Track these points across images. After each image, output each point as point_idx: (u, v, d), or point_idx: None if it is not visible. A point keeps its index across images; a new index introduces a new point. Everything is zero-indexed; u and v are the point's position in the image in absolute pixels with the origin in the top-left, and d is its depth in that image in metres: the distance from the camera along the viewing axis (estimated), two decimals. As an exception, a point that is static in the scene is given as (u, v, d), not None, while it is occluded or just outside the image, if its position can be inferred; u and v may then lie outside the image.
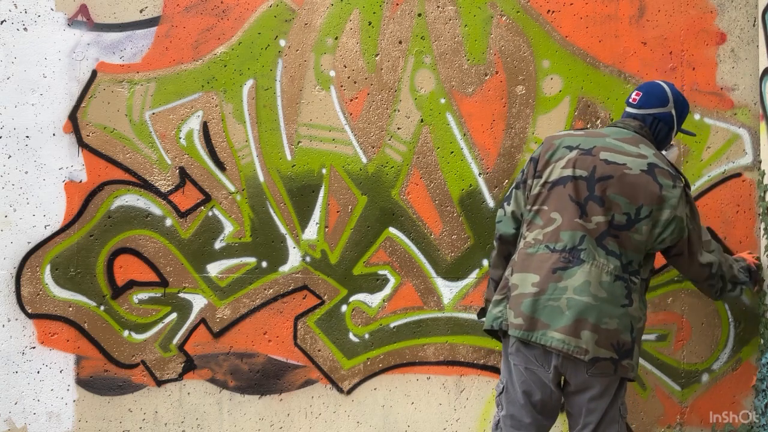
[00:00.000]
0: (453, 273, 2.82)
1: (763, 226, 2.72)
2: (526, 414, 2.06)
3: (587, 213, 2.00)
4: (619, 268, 1.98)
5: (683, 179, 2.09)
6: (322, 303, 2.86)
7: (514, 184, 2.19)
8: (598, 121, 2.77)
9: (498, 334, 2.15)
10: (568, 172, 2.03)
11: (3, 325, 2.89)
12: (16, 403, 2.90)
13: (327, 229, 2.85)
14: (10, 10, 2.92)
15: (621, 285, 1.97)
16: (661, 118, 2.17)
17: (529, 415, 2.06)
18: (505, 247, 2.19)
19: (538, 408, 2.06)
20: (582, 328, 1.91)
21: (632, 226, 1.99)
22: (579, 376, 1.98)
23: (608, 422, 2.03)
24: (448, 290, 2.82)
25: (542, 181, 2.08)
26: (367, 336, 2.85)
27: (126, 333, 2.90)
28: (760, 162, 2.74)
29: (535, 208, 2.08)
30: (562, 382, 2.07)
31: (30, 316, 2.89)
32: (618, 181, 2.00)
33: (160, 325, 2.89)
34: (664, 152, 2.19)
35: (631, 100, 2.20)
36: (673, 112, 2.17)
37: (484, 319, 2.21)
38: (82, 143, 2.90)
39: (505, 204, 2.19)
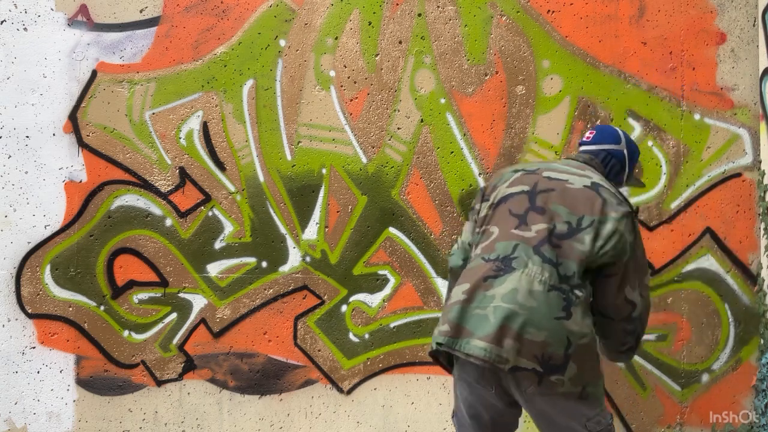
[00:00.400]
0: (453, 273, 2.82)
1: (763, 226, 2.72)
2: None
3: (527, 222, 1.98)
4: (555, 277, 1.91)
5: (632, 207, 2.06)
6: (322, 303, 2.86)
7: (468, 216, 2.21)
8: (598, 121, 2.77)
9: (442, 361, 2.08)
10: (512, 189, 2.05)
11: (3, 325, 2.89)
12: (16, 403, 2.91)
13: (327, 229, 2.85)
14: (10, 10, 2.92)
15: (557, 296, 1.88)
16: (614, 154, 2.19)
17: None
18: (454, 280, 2.14)
19: (491, 428, 2.02)
20: (505, 336, 1.83)
21: (574, 234, 1.95)
22: (523, 395, 1.92)
23: None
24: (448, 290, 2.82)
25: (489, 203, 2.09)
26: (367, 336, 2.85)
27: (126, 333, 2.90)
28: (760, 162, 2.74)
29: (481, 228, 2.08)
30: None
31: (30, 316, 2.89)
32: (559, 193, 2.00)
33: (160, 325, 2.89)
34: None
35: (584, 138, 2.24)
36: (625, 151, 2.21)
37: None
38: (82, 143, 2.90)
39: (458, 237, 2.20)
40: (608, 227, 1.95)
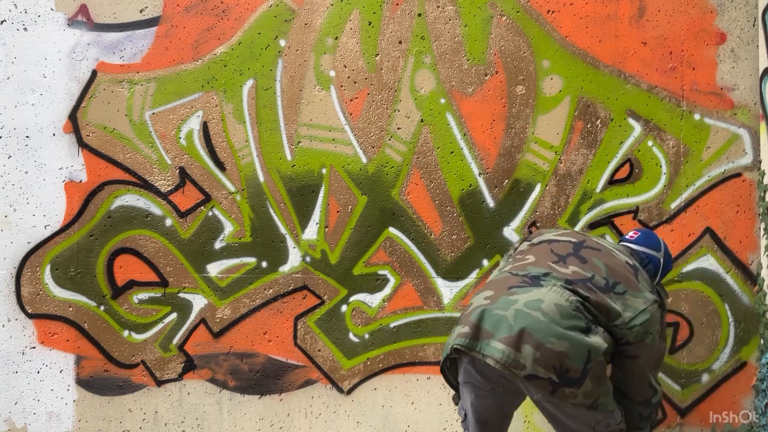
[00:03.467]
0: (453, 273, 2.82)
1: (763, 226, 2.72)
2: None
3: (566, 262, 2.03)
4: (579, 306, 1.91)
5: (662, 300, 2.13)
6: (322, 303, 2.86)
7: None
8: (598, 121, 2.77)
9: (449, 375, 2.10)
10: (559, 237, 2.14)
11: (3, 325, 2.89)
12: (16, 403, 2.91)
13: (327, 229, 2.85)
14: (10, 10, 2.92)
15: (578, 317, 1.88)
16: (651, 259, 2.26)
17: None
18: None
19: (495, 429, 2.07)
20: (524, 342, 1.82)
21: (608, 292, 1.98)
22: (532, 397, 1.94)
23: None
24: (448, 290, 2.82)
25: (530, 243, 2.20)
26: (367, 336, 2.85)
27: (126, 333, 2.90)
28: (760, 162, 2.74)
29: (514, 257, 2.16)
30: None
31: (30, 316, 2.89)
32: (604, 254, 2.08)
33: (160, 325, 2.89)
34: None
35: (628, 237, 2.34)
36: (662, 260, 2.28)
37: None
38: (82, 143, 2.90)
39: None
40: (640, 303, 2.00)
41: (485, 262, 2.80)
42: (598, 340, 1.87)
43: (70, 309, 2.89)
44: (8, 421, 2.90)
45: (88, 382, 2.90)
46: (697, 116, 2.76)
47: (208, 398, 2.89)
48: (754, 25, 2.75)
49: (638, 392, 2.10)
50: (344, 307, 2.85)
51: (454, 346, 1.92)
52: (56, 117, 2.90)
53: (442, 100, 2.83)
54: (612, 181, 2.78)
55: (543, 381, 1.82)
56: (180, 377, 2.89)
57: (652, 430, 2.21)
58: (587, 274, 2.00)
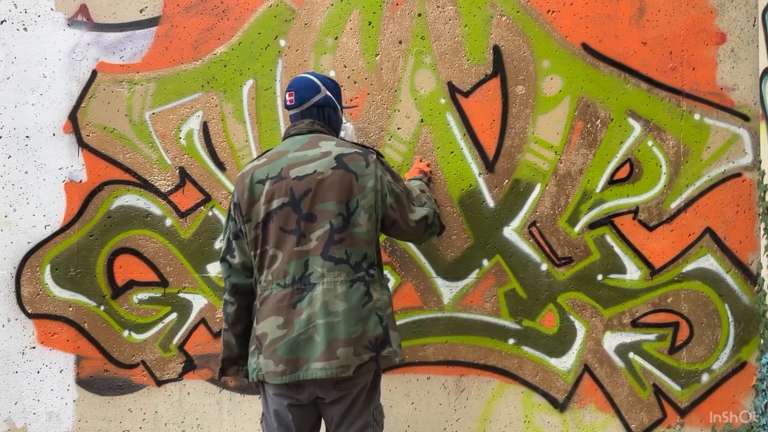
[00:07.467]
0: (453, 273, 2.82)
1: (763, 226, 2.72)
2: None
3: (304, 235, 2.03)
4: (351, 271, 2.03)
5: (373, 151, 2.15)
6: (322, 303, 2.85)
7: (230, 235, 2.15)
8: (598, 121, 2.77)
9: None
10: (272, 205, 2.06)
11: (3, 325, 2.89)
12: (16, 403, 2.91)
13: (327, 229, 2.85)
14: (10, 10, 2.92)
15: (358, 286, 2.03)
16: (323, 103, 2.20)
17: None
18: (244, 299, 2.16)
19: None
20: (336, 347, 1.97)
21: (350, 221, 2.04)
22: (330, 392, 2.05)
23: (362, 427, 2.11)
24: (448, 290, 2.82)
25: (253, 223, 2.08)
26: (367, 336, 2.84)
27: (126, 333, 2.90)
28: (760, 162, 2.74)
29: (258, 251, 2.09)
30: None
31: (30, 316, 2.89)
32: (318, 192, 2.04)
33: (160, 325, 2.89)
34: (342, 134, 2.30)
35: (288, 103, 2.20)
36: (328, 93, 2.21)
37: (227, 376, 2.23)
38: (82, 143, 2.90)
39: (228, 257, 2.15)
40: (371, 198, 2.06)
41: (485, 262, 2.80)
42: (378, 299, 2.06)
43: (70, 309, 2.89)
44: (8, 421, 2.90)
45: (88, 382, 2.90)
46: (697, 116, 2.76)
47: (208, 398, 2.89)
48: (754, 25, 2.75)
49: (414, 233, 2.23)
50: (344, 307, 2.85)
51: (278, 383, 2.02)
52: (56, 117, 2.90)
53: (442, 100, 2.83)
54: (612, 181, 2.78)
55: (368, 363, 2.01)
56: (180, 377, 2.89)
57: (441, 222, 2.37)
58: (326, 228, 2.02)
